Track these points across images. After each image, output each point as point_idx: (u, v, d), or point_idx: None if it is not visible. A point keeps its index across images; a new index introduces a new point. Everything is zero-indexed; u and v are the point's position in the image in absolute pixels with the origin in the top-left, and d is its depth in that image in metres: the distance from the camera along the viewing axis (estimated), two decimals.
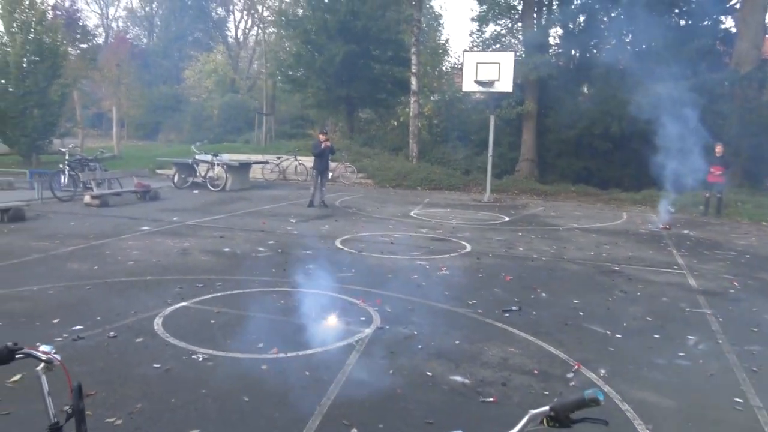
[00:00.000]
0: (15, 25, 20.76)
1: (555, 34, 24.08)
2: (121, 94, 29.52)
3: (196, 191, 16.38)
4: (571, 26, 23.19)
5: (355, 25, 23.07)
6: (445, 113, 24.84)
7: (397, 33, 24.93)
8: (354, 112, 27.04)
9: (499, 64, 15.88)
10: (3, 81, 20.82)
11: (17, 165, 21.10)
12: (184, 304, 5.98)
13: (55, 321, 5.34)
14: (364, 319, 5.70)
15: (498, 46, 24.57)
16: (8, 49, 20.72)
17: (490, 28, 24.87)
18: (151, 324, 5.33)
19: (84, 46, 29.19)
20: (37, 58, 20.92)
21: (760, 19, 18.34)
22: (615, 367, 4.75)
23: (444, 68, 30.87)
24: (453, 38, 69.23)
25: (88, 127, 35.56)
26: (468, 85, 16.45)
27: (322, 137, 14.13)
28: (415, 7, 21.95)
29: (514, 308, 6.19)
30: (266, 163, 20.39)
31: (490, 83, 15.94)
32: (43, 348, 1.79)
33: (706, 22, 20.80)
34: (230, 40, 49.51)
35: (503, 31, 25.19)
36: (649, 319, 6.10)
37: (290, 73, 27.22)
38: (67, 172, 14.24)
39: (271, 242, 9.38)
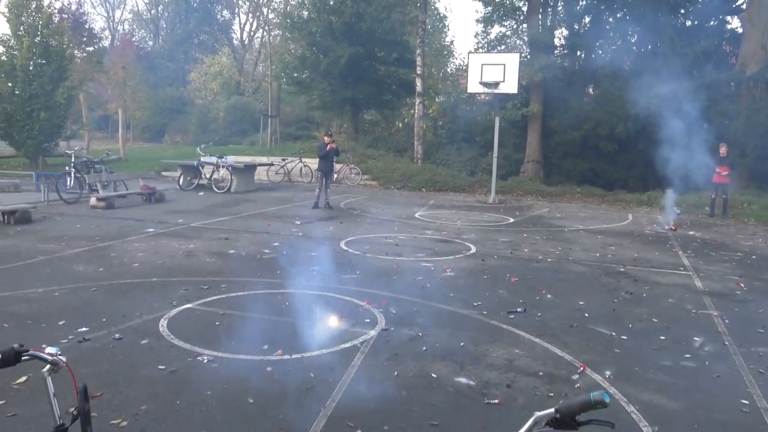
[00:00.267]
0: (22, 28, 20.89)
1: (560, 35, 24.05)
2: (127, 97, 29.70)
3: (201, 193, 16.41)
4: (577, 27, 23.15)
5: (360, 27, 23.10)
6: (450, 115, 24.82)
7: (402, 34, 24.96)
8: (359, 114, 27.07)
9: (504, 65, 15.86)
10: (10, 84, 20.95)
11: (23, 167, 21.23)
12: (189, 305, 5.99)
13: (61, 323, 5.36)
14: (368, 320, 5.70)
15: (503, 47, 24.53)
16: (15, 52, 20.85)
17: (495, 30, 24.84)
18: (156, 326, 5.34)
19: (90, 48, 29.37)
20: (44, 61, 21.04)
21: (767, 20, 18.25)
22: (621, 368, 4.73)
23: (449, 70, 30.88)
24: (458, 40, 69.21)
25: (94, 129, 35.73)
26: (473, 86, 16.45)
27: (327, 139, 14.15)
28: (420, 9, 21.96)
29: (519, 310, 6.18)
30: (271, 164, 20.42)
31: (495, 84, 15.93)
32: (49, 350, 1.80)
33: (711, 23, 20.73)
34: (235, 42, 49.73)
35: (508, 33, 25.15)
36: (655, 320, 6.08)
37: (295, 75, 27.27)
38: (73, 175, 14.29)
39: (276, 244, 9.39)
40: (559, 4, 23.42)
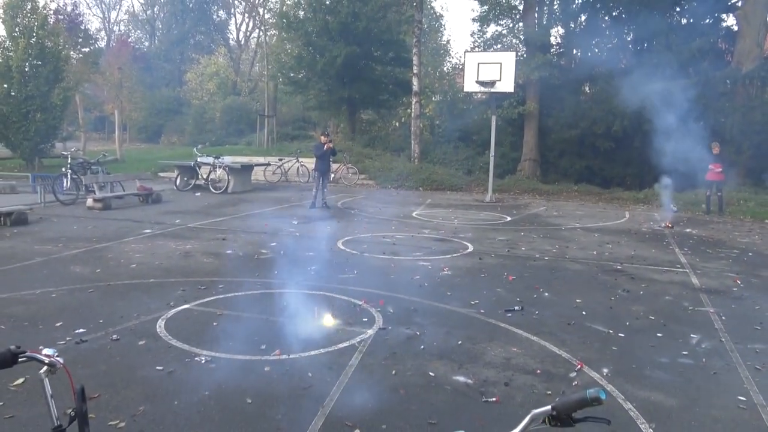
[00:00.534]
0: (17, 29, 20.83)
1: (556, 33, 24.10)
2: (123, 98, 29.58)
3: (198, 194, 16.40)
4: (572, 26, 23.19)
5: (357, 27, 23.08)
6: (447, 114, 24.85)
7: (398, 34, 24.94)
8: (356, 114, 27.05)
9: (501, 64, 15.87)
10: (5, 85, 20.89)
11: (20, 169, 21.18)
12: (186, 306, 5.99)
13: (58, 324, 5.35)
14: (366, 319, 5.70)
15: (499, 46, 24.60)
16: (10, 54, 20.79)
17: (491, 29, 24.90)
18: (153, 326, 5.34)
19: (86, 49, 29.27)
20: (40, 62, 20.98)
21: (762, 17, 18.30)
22: (618, 366, 4.75)
23: (445, 69, 30.88)
24: (454, 39, 69.26)
25: (90, 130, 35.67)
26: (469, 85, 16.45)
27: (323, 139, 14.15)
28: (416, 8, 21.95)
29: (516, 308, 6.19)
30: (268, 165, 20.40)
31: (492, 83, 15.93)
32: (46, 351, 1.79)
33: (707, 20, 20.77)
34: (231, 42, 49.67)
35: (504, 31, 25.21)
36: (652, 317, 6.09)
37: (292, 75, 27.24)
38: (69, 176, 14.26)
39: (274, 244, 9.39)
40: (555, 2, 23.46)
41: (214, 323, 5.51)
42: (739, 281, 7.81)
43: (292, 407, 3.88)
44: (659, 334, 5.56)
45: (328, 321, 5.64)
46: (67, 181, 14.26)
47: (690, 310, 6.43)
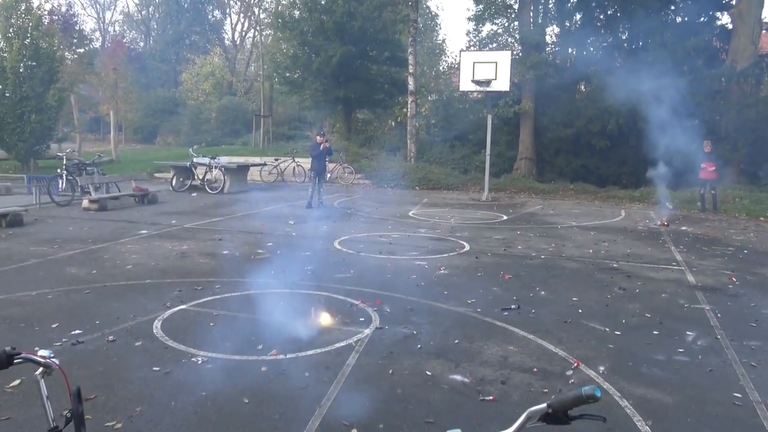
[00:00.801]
0: (11, 30, 20.76)
1: (551, 32, 24.15)
2: (119, 98, 29.53)
3: (194, 194, 16.37)
4: (567, 24, 23.23)
5: (352, 26, 23.08)
6: (443, 113, 24.87)
7: (393, 33, 24.95)
8: (351, 113, 27.05)
9: (496, 63, 15.89)
10: (0, 86, 20.80)
11: (15, 170, 21.13)
12: (183, 307, 5.98)
13: (54, 325, 5.34)
14: (363, 319, 5.70)
15: (495, 45, 24.64)
16: (5, 55, 20.72)
17: (487, 28, 24.94)
18: (150, 327, 5.33)
19: (81, 50, 29.21)
20: (34, 63, 20.91)
21: (756, 15, 18.36)
22: (614, 363, 4.76)
23: (441, 68, 30.88)
24: (450, 38, 69.34)
25: (85, 131, 35.57)
26: (465, 84, 16.46)
27: (319, 138, 14.14)
28: (411, 8, 21.95)
29: (513, 307, 6.20)
30: (264, 165, 20.39)
31: (487, 82, 15.95)
32: (42, 352, 1.79)
33: (702, 19, 20.84)
34: (227, 42, 49.60)
35: (500, 30, 25.25)
36: (648, 315, 6.11)
37: (287, 74, 27.22)
38: (65, 177, 14.22)
39: (270, 244, 9.38)
40: (550, 1, 23.51)
41: (211, 324, 5.50)
42: (734, 279, 7.83)
43: (289, 407, 3.88)
44: (655, 332, 5.58)
45: (325, 321, 5.64)
46: (62, 182, 14.22)
47: (686, 308, 6.45)
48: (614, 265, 8.49)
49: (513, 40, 24.72)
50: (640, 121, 17.24)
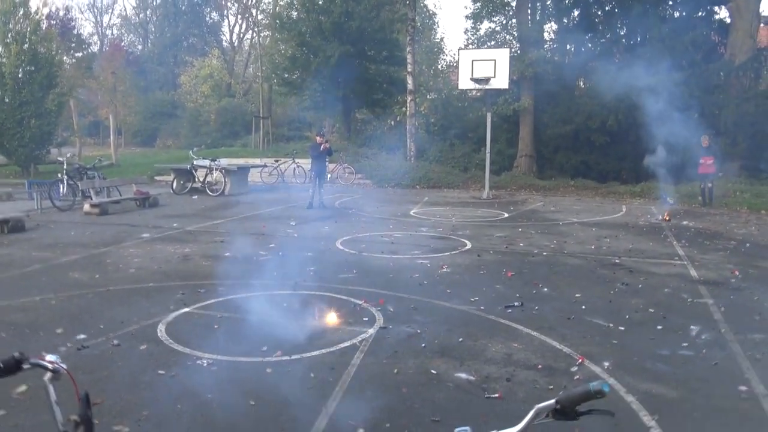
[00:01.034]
0: (9, 35, 20.77)
1: (549, 29, 24.13)
2: (118, 102, 29.54)
3: (195, 197, 16.38)
4: (566, 21, 23.22)
5: (350, 26, 23.09)
6: (442, 111, 24.86)
7: (392, 33, 24.95)
8: (351, 113, 27.06)
9: (495, 60, 15.90)
10: None
11: (15, 175, 21.14)
12: (186, 310, 5.99)
13: (59, 331, 5.34)
14: (366, 319, 5.71)
15: (493, 43, 24.61)
16: (3, 60, 20.75)
17: (485, 25, 24.91)
18: (154, 331, 5.34)
19: (79, 54, 29.23)
20: (33, 68, 20.94)
21: (754, 9, 18.36)
22: (619, 359, 4.76)
23: (440, 66, 30.86)
24: (448, 36, 69.31)
25: (84, 135, 35.59)
26: (464, 82, 16.48)
27: (319, 139, 14.16)
28: (409, 6, 21.96)
29: (516, 304, 6.21)
30: (264, 166, 20.39)
31: (486, 80, 15.96)
32: (49, 357, 1.80)
33: (700, 13, 20.82)
34: (225, 44, 49.57)
35: (498, 28, 25.23)
36: (652, 310, 6.11)
37: (286, 75, 27.23)
38: (65, 182, 14.24)
39: (272, 245, 9.38)
40: None
41: (215, 326, 5.51)
42: (737, 272, 7.83)
43: (295, 408, 3.89)
44: (659, 327, 5.58)
45: (329, 321, 5.65)
46: (63, 187, 14.23)
47: (689, 302, 6.45)
48: (616, 261, 8.49)
49: (511, 38, 24.70)
50: (639, 117, 17.22)
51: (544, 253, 9.01)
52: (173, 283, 7.06)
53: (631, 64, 17.70)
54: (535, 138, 21.54)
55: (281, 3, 29.96)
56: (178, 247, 9.19)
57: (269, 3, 33.92)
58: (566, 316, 5.88)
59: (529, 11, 22.34)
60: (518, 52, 21.76)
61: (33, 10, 21.79)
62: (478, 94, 21.71)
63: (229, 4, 47.87)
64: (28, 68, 20.96)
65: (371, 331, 5.36)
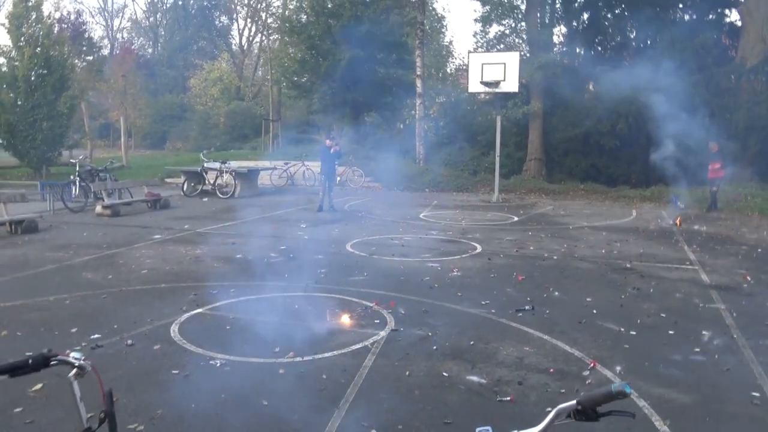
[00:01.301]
0: (22, 39, 20.98)
1: (559, 32, 24.10)
2: (128, 105, 29.76)
3: (205, 199, 16.47)
4: (575, 24, 23.18)
5: (359, 30, 23.15)
6: (451, 115, 24.86)
7: (400, 36, 25.00)
8: (360, 116, 27.11)
9: (505, 64, 15.89)
10: (12, 94, 21.04)
11: (27, 177, 21.30)
12: (199, 310, 6.03)
13: (73, 330, 5.40)
14: (378, 321, 5.73)
15: (502, 46, 24.61)
16: (16, 63, 20.94)
17: (494, 29, 24.91)
18: (167, 331, 5.38)
19: (90, 58, 29.48)
20: (45, 71, 21.12)
21: (765, 12, 18.26)
22: (631, 363, 4.76)
23: (449, 70, 30.89)
24: (457, 39, 69.25)
25: (95, 137, 35.85)
26: (474, 86, 16.48)
27: (328, 142, 14.19)
28: (418, 10, 22.00)
29: (527, 308, 6.21)
30: (274, 169, 20.46)
31: (496, 84, 15.96)
32: (74, 354, 1.83)
33: (710, 16, 20.74)
34: (234, 47, 49.81)
35: (507, 31, 25.22)
36: (663, 315, 6.10)
37: (295, 79, 27.34)
38: (78, 183, 14.36)
39: (283, 247, 9.42)
40: (557, 1, 23.46)
41: (227, 327, 5.55)
42: (748, 278, 7.80)
43: (308, 409, 3.92)
44: (671, 332, 5.57)
45: (341, 323, 5.67)
46: (75, 189, 14.35)
47: (701, 307, 6.43)
48: (627, 266, 8.47)
49: (520, 41, 24.69)
50: (649, 121, 17.16)
51: (555, 257, 9.00)
52: (185, 284, 7.11)
53: (641, 68, 17.64)
54: (545, 141, 21.49)
55: (291, 6, 30.11)
56: (190, 249, 9.25)
57: (279, 7, 34.10)
58: (577, 320, 5.88)
59: (538, 14, 22.33)
60: (527, 55, 21.74)
61: (45, 13, 22.03)
62: (487, 97, 21.70)
63: (238, 7, 48.14)
64: (41, 71, 21.13)
65: (383, 333, 5.38)
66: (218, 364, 4.63)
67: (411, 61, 23.46)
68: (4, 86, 21.10)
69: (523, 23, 23.56)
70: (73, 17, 31.24)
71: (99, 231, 10.95)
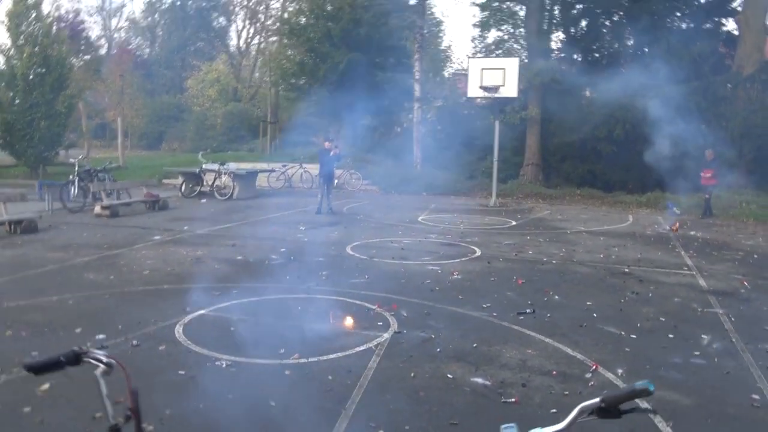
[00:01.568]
0: (21, 37, 20.96)
1: (557, 38, 24.23)
2: (125, 105, 29.73)
3: (203, 200, 16.48)
4: (573, 31, 23.32)
5: (358, 33, 23.23)
6: (449, 119, 24.94)
7: (399, 40, 25.08)
8: (358, 119, 27.15)
9: (504, 69, 15.99)
10: (10, 93, 21.01)
11: (24, 176, 21.25)
12: (202, 312, 6.05)
13: (78, 330, 5.42)
14: (381, 323, 5.77)
15: (500, 51, 24.72)
16: (15, 62, 20.92)
17: (493, 34, 25.02)
18: (172, 332, 5.41)
19: (87, 57, 29.45)
20: (44, 70, 21.10)
21: (762, 21, 18.43)
22: (632, 366, 4.82)
23: (446, 74, 30.99)
24: (455, 44, 69.43)
25: (92, 137, 35.77)
26: (473, 90, 16.57)
27: (327, 144, 14.24)
28: (417, 14, 22.08)
29: (528, 311, 6.26)
30: (272, 171, 20.49)
31: (496, 89, 16.04)
32: (98, 353, 1.88)
33: (707, 25, 20.91)
34: (232, 49, 49.78)
35: (505, 37, 25.33)
36: (662, 319, 6.16)
37: (293, 81, 27.37)
38: (77, 183, 14.34)
39: (283, 250, 9.45)
40: (556, 8, 23.59)
41: (231, 328, 5.58)
42: (746, 283, 7.88)
43: (315, 409, 3.95)
44: (670, 335, 5.63)
45: (344, 325, 5.71)
46: (74, 189, 14.33)
47: (699, 312, 6.50)
48: (626, 270, 8.54)
49: (519, 47, 24.81)
50: (646, 127, 17.27)
51: (554, 261, 9.07)
52: (187, 285, 7.12)
53: (638, 75, 17.76)
54: (542, 146, 21.57)
55: (290, 9, 30.16)
56: (190, 250, 9.26)
57: (278, 9, 34.15)
58: (578, 323, 5.93)
59: (536, 21, 22.43)
60: (526, 60, 21.84)
61: (45, 12, 22.03)
62: (485, 102, 21.78)
63: (237, 9, 48.15)
64: (39, 70, 21.12)
65: (386, 335, 5.42)
66: (224, 365, 4.67)
67: (409, 65, 23.53)
68: (3, 85, 21.10)
69: (521, 29, 23.68)
70: (71, 16, 31.26)
71: (98, 231, 10.95)
